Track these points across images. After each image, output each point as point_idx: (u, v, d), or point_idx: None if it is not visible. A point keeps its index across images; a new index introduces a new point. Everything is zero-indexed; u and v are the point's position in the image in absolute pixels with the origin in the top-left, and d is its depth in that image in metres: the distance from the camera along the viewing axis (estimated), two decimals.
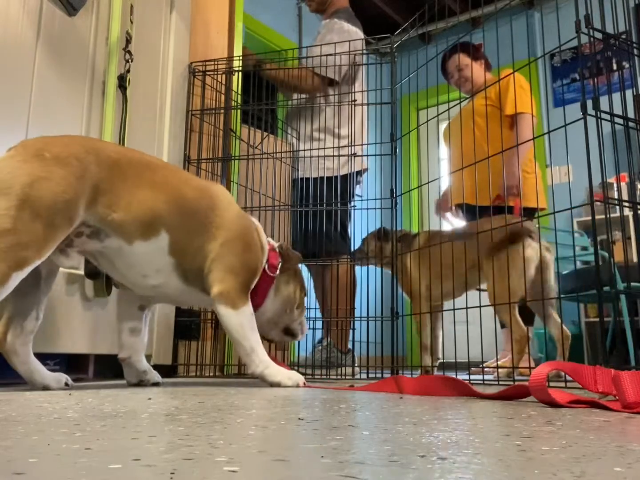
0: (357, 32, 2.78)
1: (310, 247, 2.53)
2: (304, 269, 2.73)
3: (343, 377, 2.35)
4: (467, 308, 2.25)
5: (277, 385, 1.46)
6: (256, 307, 1.61)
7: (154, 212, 1.38)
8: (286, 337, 1.81)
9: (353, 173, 2.68)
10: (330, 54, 2.55)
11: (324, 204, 2.55)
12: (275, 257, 1.66)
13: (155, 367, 1.70)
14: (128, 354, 1.55)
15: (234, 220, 1.55)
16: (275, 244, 1.72)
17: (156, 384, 1.55)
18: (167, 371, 2.07)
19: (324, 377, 2.31)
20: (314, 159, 2.62)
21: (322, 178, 2.59)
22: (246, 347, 1.48)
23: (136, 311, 1.58)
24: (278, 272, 1.66)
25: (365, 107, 2.73)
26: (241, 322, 1.48)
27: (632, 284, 2.33)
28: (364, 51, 2.65)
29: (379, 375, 2.47)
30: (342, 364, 2.48)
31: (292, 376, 1.49)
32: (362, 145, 2.73)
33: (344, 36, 2.71)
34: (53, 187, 1.21)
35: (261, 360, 1.48)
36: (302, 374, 2.31)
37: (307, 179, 2.63)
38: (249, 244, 1.57)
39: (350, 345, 2.57)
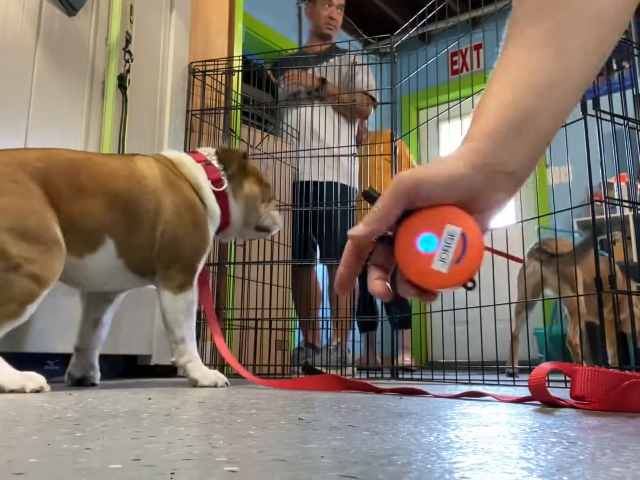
0: None
1: (328, 248, 2.56)
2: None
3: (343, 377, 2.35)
4: (467, 308, 2.24)
5: (195, 382, 1.43)
6: (224, 226, 1.61)
7: (94, 221, 1.33)
8: (260, 234, 1.78)
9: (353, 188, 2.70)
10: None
11: (333, 204, 2.55)
12: (213, 171, 1.58)
13: (155, 367, 1.70)
14: (84, 345, 1.51)
15: (165, 198, 1.45)
16: (208, 153, 1.62)
17: (94, 385, 1.49)
18: (167, 371, 2.07)
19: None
20: (315, 161, 2.61)
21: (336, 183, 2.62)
22: (177, 335, 1.45)
23: (102, 303, 1.54)
24: (226, 182, 1.59)
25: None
26: (179, 307, 1.44)
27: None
28: (364, 51, 2.64)
29: (378, 375, 2.47)
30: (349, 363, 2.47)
31: (208, 376, 1.44)
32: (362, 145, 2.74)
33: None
34: (15, 205, 1.19)
35: (187, 352, 1.45)
36: (318, 372, 2.31)
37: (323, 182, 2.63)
38: (191, 221, 1.48)
39: (349, 345, 2.56)
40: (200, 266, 1.52)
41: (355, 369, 2.46)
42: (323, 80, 2.74)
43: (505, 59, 0.56)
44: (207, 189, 1.55)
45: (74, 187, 1.31)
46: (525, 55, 0.54)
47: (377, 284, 0.58)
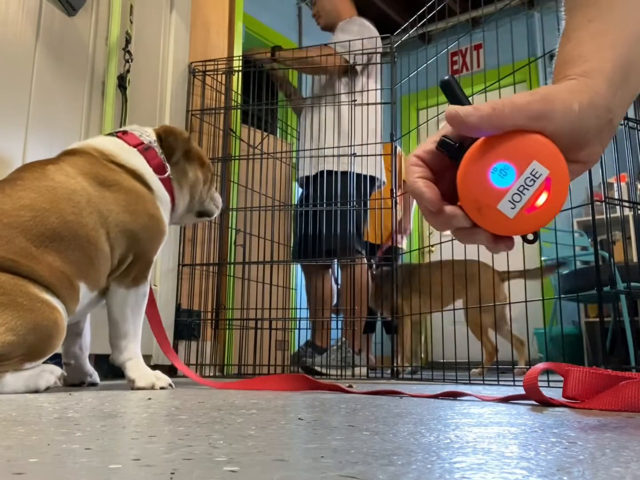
0: (375, 30, 2.80)
1: (327, 245, 2.51)
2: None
3: (353, 377, 2.34)
4: (467, 308, 2.24)
5: (132, 382, 1.33)
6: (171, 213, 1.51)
7: (63, 274, 1.21)
8: (201, 219, 1.70)
9: (357, 174, 2.61)
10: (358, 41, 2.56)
11: (336, 203, 2.54)
12: (153, 157, 1.44)
13: (155, 367, 1.70)
14: (72, 360, 1.48)
15: (104, 202, 1.31)
16: (141, 134, 1.47)
17: (94, 385, 1.48)
18: (167, 371, 2.07)
19: (339, 377, 2.29)
20: (319, 156, 2.58)
21: (336, 172, 2.55)
22: (120, 329, 1.35)
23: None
24: (169, 169, 1.46)
25: (378, 107, 2.68)
26: (129, 301, 1.36)
27: (632, 284, 2.33)
28: (364, 51, 2.64)
29: (379, 374, 2.47)
30: (356, 364, 2.43)
31: (147, 376, 1.34)
32: (361, 144, 2.70)
33: (364, 29, 2.72)
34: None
35: (128, 349, 1.35)
36: (318, 373, 2.29)
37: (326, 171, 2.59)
38: (144, 212, 1.36)
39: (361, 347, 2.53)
40: (155, 257, 1.43)
41: (362, 369, 2.42)
42: (276, 48, 2.69)
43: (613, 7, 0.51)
44: (151, 174, 1.42)
45: (25, 252, 1.17)
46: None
47: (423, 184, 0.48)
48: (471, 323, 2.60)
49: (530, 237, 0.46)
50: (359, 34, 2.67)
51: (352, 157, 2.59)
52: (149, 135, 1.48)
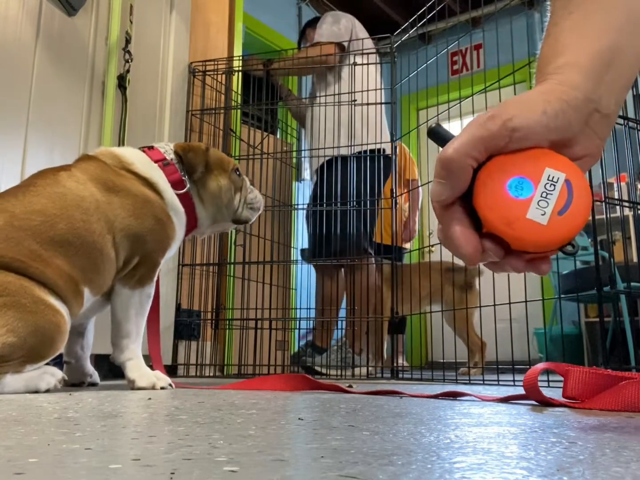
0: (345, 14, 2.89)
1: (334, 245, 2.48)
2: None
3: (353, 377, 2.34)
4: (466, 308, 2.25)
5: (132, 382, 1.33)
6: (191, 230, 1.52)
7: (68, 278, 1.22)
8: (239, 225, 1.65)
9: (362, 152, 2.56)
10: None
11: (333, 197, 2.53)
12: (172, 172, 1.46)
13: None
14: (73, 359, 1.47)
15: (112, 207, 1.33)
16: (166, 150, 1.50)
17: (94, 385, 1.48)
18: (167, 371, 2.07)
19: (339, 377, 2.29)
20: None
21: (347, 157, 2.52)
22: (122, 329, 1.35)
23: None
24: (188, 184, 1.48)
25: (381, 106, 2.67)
26: (133, 302, 1.36)
27: (632, 284, 2.33)
28: (364, 51, 2.64)
29: (378, 375, 2.47)
30: (356, 364, 2.42)
31: (147, 376, 1.34)
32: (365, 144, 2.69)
33: (337, 15, 2.83)
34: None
35: (129, 349, 1.35)
36: (318, 373, 2.29)
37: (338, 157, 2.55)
38: (151, 216, 1.37)
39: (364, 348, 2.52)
40: (163, 261, 1.43)
41: (361, 370, 2.41)
42: (267, 62, 2.74)
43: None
44: (165, 186, 1.43)
45: (34, 256, 1.18)
46: None
47: (462, 234, 0.46)
48: (457, 321, 2.69)
49: (569, 248, 0.46)
50: (332, 19, 2.76)
51: (353, 145, 2.55)
52: (170, 153, 1.50)
